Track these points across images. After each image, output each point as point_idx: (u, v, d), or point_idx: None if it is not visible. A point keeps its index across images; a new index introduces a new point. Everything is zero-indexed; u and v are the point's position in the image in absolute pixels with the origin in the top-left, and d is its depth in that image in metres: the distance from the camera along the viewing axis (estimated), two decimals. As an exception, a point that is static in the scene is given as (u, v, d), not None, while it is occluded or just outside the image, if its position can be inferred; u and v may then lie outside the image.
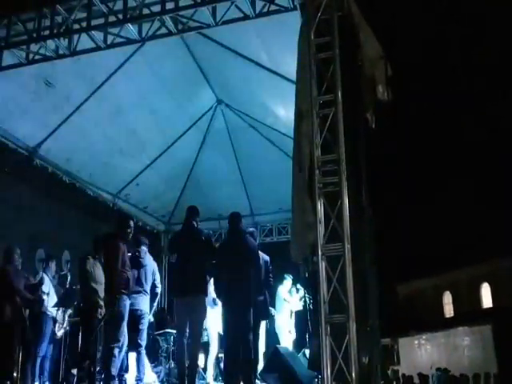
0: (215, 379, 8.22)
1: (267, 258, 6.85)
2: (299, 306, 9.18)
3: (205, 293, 5.90)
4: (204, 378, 8.29)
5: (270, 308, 7.81)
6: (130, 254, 6.85)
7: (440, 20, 35.68)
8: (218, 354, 8.07)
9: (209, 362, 8.34)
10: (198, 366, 6.05)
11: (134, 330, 6.62)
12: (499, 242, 26.89)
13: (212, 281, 6.76)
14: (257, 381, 6.37)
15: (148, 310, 6.93)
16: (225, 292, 5.85)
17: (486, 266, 29.13)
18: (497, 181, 30.79)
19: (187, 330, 5.89)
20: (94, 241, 6.44)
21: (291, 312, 9.21)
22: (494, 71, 32.88)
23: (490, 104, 32.43)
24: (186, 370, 5.78)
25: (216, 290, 6.16)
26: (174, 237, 6.75)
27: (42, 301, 6.66)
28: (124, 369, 6.67)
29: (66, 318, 7.25)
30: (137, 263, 6.84)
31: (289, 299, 9.09)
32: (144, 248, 7.00)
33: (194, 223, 6.14)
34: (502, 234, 27.20)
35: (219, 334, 8.17)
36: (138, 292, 6.77)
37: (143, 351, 6.69)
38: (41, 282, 6.55)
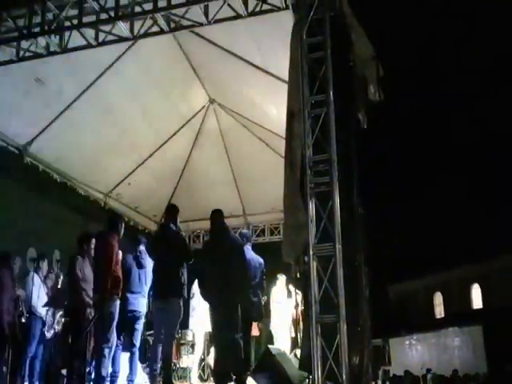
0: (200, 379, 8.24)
1: (261, 260, 6.82)
2: (291, 310, 9.18)
3: (180, 296, 5.85)
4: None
5: None
6: (130, 255, 6.82)
7: (431, 20, 35.88)
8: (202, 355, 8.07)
9: (194, 363, 8.35)
10: (171, 365, 6.04)
11: (129, 331, 6.59)
12: (490, 244, 27.06)
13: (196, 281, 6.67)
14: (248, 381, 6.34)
15: (144, 312, 6.87)
16: (211, 292, 5.80)
17: (477, 267, 29.28)
18: (489, 182, 30.98)
19: (163, 333, 5.90)
20: (80, 239, 6.32)
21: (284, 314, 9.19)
22: (485, 71, 33.11)
23: (480, 103, 32.64)
24: (159, 370, 5.88)
25: (201, 290, 6.09)
26: (150, 240, 6.71)
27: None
28: (117, 369, 6.65)
29: (57, 318, 7.21)
30: (137, 264, 6.78)
31: (279, 302, 9.05)
32: (143, 248, 6.89)
33: (172, 226, 6.09)
34: (492, 235, 27.39)
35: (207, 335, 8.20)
36: (137, 293, 6.71)
37: (136, 352, 6.66)
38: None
